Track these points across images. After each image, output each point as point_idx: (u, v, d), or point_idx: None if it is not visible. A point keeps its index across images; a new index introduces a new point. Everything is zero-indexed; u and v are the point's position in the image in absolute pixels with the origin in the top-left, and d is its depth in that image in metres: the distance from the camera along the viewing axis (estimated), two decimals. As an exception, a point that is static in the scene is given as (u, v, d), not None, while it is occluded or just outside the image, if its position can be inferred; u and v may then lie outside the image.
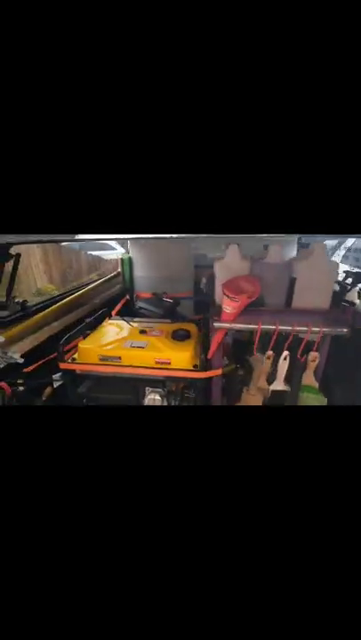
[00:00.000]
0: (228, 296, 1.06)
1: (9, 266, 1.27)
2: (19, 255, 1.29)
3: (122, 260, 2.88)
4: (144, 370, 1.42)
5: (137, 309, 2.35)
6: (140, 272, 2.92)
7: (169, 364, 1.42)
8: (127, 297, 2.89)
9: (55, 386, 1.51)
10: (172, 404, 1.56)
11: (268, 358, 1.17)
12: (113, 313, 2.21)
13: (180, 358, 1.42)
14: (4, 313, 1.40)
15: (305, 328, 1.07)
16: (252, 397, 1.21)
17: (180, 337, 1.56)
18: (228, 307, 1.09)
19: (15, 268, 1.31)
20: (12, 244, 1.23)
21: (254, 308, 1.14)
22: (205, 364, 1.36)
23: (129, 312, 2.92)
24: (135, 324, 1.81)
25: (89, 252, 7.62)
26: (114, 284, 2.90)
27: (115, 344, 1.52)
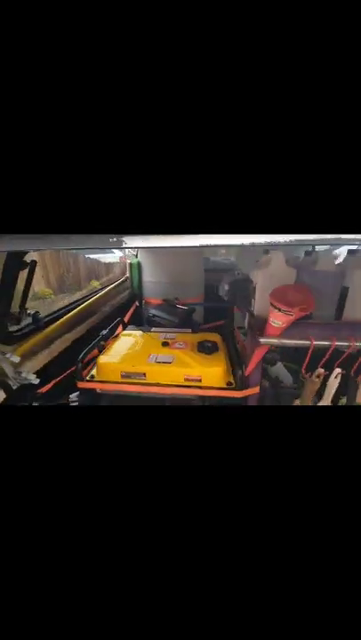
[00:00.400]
0: (278, 309, 0.94)
1: (24, 274, 1.13)
2: (34, 263, 1.15)
3: (130, 264, 2.75)
4: (174, 389, 1.29)
5: (150, 317, 2.21)
6: (148, 277, 2.78)
7: (200, 380, 1.29)
8: (137, 304, 2.76)
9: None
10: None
11: (319, 377, 1.06)
12: (126, 320, 2.08)
13: (213, 375, 1.29)
14: (16, 326, 1.26)
15: (362, 343, 0.96)
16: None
17: (207, 349, 1.43)
18: (279, 320, 0.97)
19: (30, 277, 1.16)
20: (26, 252, 1.10)
21: (303, 321, 1.02)
22: (242, 382, 1.24)
23: (139, 319, 2.80)
24: (154, 335, 1.68)
25: (87, 256, 7.45)
26: (122, 290, 2.75)
27: (137, 358, 1.39)
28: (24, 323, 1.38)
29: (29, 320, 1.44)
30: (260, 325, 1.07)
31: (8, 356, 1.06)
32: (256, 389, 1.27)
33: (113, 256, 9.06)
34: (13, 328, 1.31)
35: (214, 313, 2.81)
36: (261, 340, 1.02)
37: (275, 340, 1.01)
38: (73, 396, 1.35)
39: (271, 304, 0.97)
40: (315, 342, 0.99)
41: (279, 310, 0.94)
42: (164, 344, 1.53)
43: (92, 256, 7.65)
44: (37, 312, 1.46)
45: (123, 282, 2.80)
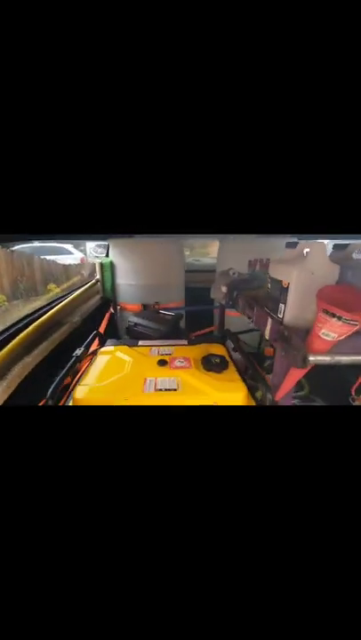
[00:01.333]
0: (336, 316, 0.70)
1: None
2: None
3: (102, 264, 2.35)
4: (184, 424, 0.99)
5: (130, 326, 1.87)
6: (123, 279, 2.43)
7: (216, 410, 1.01)
8: (111, 310, 2.38)
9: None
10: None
11: (370, 398, 0.85)
12: (101, 331, 1.71)
13: (232, 402, 1.02)
14: None
15: None
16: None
17: (216, 367, 1.16)
18: (334, 332, 0.73)
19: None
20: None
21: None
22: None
23: (114, 329, 2.42)
24: (142, 350, 1.36)
25: (42, 257, 6.72)
26: (91, 295, 2.35)
27: (129, 386, 1.05)
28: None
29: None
30: (298, 338, 0.83)
31: None
32: (286, 416, 1.03)
33: (73, 257, 8.35)
34: None
35: (195, 318, 2.57)
36: (311, 358, 0.77)
37: (327, 358, 0.78)
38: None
39: (324, 310, 0.73)
40: (376, 357, 0.77)
41: (338, 319, 0.70)
42: (161, 362, 1.21)
43: (48, 257, 6.91)
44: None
45: (92, 285, 2.39)
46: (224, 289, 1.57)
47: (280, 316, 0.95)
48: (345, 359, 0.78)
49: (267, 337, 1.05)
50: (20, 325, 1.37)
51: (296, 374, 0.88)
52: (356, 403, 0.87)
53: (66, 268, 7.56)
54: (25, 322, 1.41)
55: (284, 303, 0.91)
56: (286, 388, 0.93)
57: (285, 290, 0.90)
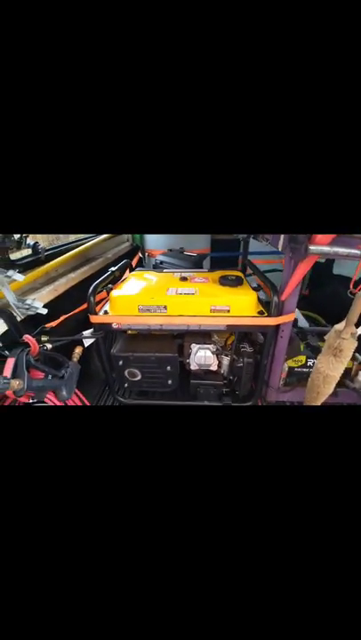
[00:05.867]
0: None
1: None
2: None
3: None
4: (200, 319, 1.15)
5: (157, 264, 2.03)
6: (151, 227, 2.56)
7: (228, 311, 1.16)
8: (140, 255, 2.55)
9: (86, 345, 1.22)
10: (226, 360, 1.33)
11: (369, 293, 0.93)
12: (133, 264, 1.90)
13: (243, 303, 1.16)
14: (18, 255, 1.07)
15: None
16: (345, 342, 0.98)
17: (231, 282, 1.29)
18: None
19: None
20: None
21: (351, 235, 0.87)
22: (277, 308, 1.12)
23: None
24: (167, 274, 1.52)
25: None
26: (121, 241, 2.53)
27: (155, 292, 1.23)
28: (24, 252, 1.19)
29: (29, 251, 1.25)
30: (303, 236, 0.92)
31: (10, 273, 0.89)
32: (291, 316, 1.15)
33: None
34: (15, 256, 1.12)
35: (220, 265, 2.65)
36: (312, 247, 0.87)
37: (326, 249, 0.87)
38: (86, 333, 1.20)
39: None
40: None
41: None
42: (183, 279, 1.38)
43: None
44: (37, 242, 1.27)
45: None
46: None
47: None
48: (341, 250, 0.87)
49: (280, 249, 1.14)
50: (64, 248, 1.59)
51: (301, 269, 0.99)
52: (356, 296, 0.96)
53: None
54: (69, 246, 1.63)
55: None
56: (293, 285, 1.04)
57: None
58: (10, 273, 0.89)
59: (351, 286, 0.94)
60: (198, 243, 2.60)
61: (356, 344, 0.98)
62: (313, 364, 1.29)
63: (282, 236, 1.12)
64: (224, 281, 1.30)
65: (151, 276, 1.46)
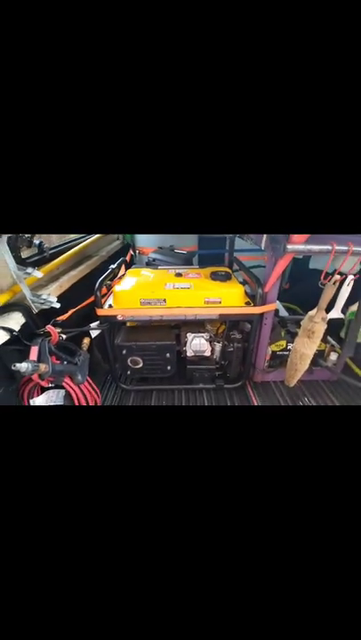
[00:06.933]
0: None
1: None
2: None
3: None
4: (196, 310, 1.31)
5: (150, 261, 2.16)
6: (141, 226, 2.67)
7: (220, 302, 1.33)
8: (131, 253, 2.67)
9: (93, 336, 1.34)
10: (218, 347, 1.50)
11: (335, 283, 1.13)
12: (127, 259, 2.02)
13: (232, 296, 1.33)
14: (28, 253, 1.17)
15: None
16: (317, 325, 1.18)
17: (221, 277, 1.46)
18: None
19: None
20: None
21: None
22: (261, 299, 1.30)
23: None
24: (162, 271, 1.66)
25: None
26: (111, 240, 2.63)
27: (154, 287, 1.38)
28: (31, 252, 1.29)
29: (34, 250, 1.35)
30: (282, 237, 1.10)
31: (30, 270, 1.00)
32: (273, 306, 1.34)
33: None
34: (25, 255, 1.22)
35: (210, 261, 2.82)
36: (289, 246, 1.05)
37: (302, 247, 1.05)
38: (93, 325, 1.33)
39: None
40: (336, 247, 1.04)
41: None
42: (178, 274, 1.53)
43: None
44: (42, 241, 1.37)
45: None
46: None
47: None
48: (315, 247, 1.05)
49: (263, 247, 1.32)
50: (63, 248, 1.69)
51: (280, 265, 1.17)
52: (325, 286, 1.15)
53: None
54: (66, 245, 1.73)
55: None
56: (273, 279, 1.22)
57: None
58: (29, 270, 1.00)
59: (322, 278, 1.13)
60: (187, 240, 2.75)
61: (325, 326, 1.18)
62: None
63: (264, 236, 1.30)
64: (215, 276, 1.46)
65: (148, 273, 1.60)
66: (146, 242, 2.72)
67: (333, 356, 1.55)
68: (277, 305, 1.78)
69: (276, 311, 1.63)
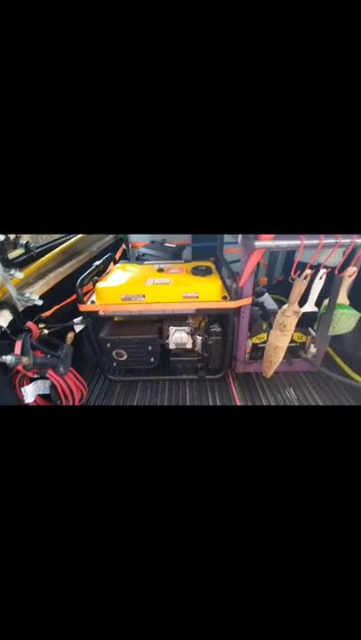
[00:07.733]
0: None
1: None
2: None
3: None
4: (173, 305, 1.37)
5: (140, 256, 2.22)
6: (133, 220, 2.71)
7: (197, 297, 1.38)
8: (123, 247, 2.71)
9: (77, 331, 1.42)
10: (199, 339, 1.56)
11: (306, 278, 1.16)
12: (117, 257, 2.07)
13: (209, 290, 1.38)
14: (14, 254, 1.24)
15: (349, 240, 1.06)
16: (288, 319, 1.22)
17: (201, 272, 1.50)
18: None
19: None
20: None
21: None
22: (236, 293, 1.34)
23: (127, 259, 2.77)
24: (147, 266, 1.71)
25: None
26: (102, 235, 2.68)
27: (135, 283, 1.43)
28: (19, 252, 1.36)
29: (21, 250, 1.41)
30: (252, 236, 1.13)
31: (13, 272, 1.07)
32: (249, 300, 1.38)
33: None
34: (12, 256, 1.28)
35: (203, 253, 2.85)
36: (257, 243, 1.09)
37: (270, 243, 1.09)
38: (77, 320, 1.40)
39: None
40: (305, 241, 1.07)
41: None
42: (160, 270, 1.58)
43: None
44: (28, 242, 1.43)
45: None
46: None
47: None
48: (282, 243, 1.09)
49: (239, 243, 1.35)
50: (51, 245, 1.76)
51: (252, 260, 1.20)
52: (295, 281, 1.18)
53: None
54: (54, 243, 1.79)
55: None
56: (246, 274, 1.26)
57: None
58: (12, 271, 1.07)
59: (292, 273, 1.16)
60: (180, 234, 2.78)
61: (296, 320, 1.22)
62: (272, 339, 1.54)
63: (240, 236, 1.33)
64: (195, 271, 1.51)
65: (133, 268, 1.66)
66: (138, 236, 2.76)
67: (314, 349, 1.58)
68: (266, 297, 1.82)
69: (261, 304, 1.67)
